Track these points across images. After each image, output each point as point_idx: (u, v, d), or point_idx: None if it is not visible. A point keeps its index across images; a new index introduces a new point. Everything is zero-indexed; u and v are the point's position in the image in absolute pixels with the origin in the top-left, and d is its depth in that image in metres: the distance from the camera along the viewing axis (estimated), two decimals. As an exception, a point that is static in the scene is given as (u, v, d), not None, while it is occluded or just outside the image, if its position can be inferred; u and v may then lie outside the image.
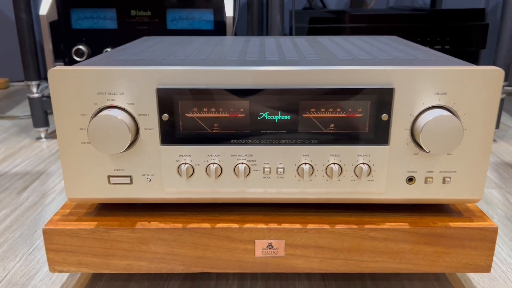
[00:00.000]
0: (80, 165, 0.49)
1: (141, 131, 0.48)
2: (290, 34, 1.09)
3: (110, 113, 0.46)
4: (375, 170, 0.49)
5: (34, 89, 1.13)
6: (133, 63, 0.50)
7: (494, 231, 0.51)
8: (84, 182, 0.50)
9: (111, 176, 0.50)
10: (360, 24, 1.12)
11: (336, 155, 0.49)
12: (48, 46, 1.10)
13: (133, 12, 1.09)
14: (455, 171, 0.49)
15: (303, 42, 0.70)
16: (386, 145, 0.48)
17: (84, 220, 0.52)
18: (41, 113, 1.16)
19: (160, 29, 1.11)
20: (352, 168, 0.49)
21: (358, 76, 0.46)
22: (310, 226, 0.51)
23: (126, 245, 0.51)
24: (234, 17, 1.06)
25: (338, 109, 0.47)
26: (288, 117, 0.48)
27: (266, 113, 0.48)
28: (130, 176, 0.50)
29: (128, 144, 0.47)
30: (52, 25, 1.10)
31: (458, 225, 0.51)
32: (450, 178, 0.49)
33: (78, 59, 1.11)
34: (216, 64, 0.49)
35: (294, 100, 0.47)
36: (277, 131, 0.48)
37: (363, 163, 0.49)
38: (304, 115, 0.48)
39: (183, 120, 0.48)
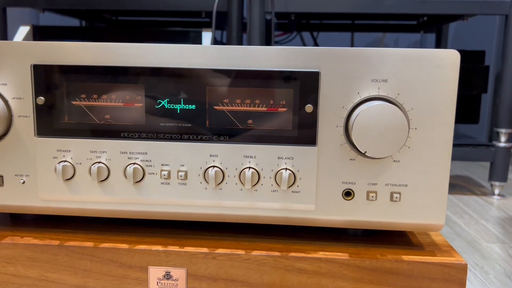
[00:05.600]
0: None
1: (15, 118, 0.40)
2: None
3: (-27, 92, 0.38)
4: (300, 178, 0.38)
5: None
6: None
7: (462, 269, 0.38)
8: None
9: (-21, 175, 0.41)
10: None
11: (251, 157, 0.38)
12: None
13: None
14: (406, 185, 0.38)
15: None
16: (313, 145, 0.38)
17: None
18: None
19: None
20: (272, 175, 0.38)
21: (276, 57, 0.37)
22: (220, 251, 0.39)
23: (-11, 265, 0.40)
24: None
25: (257, 101, 0.38)
26: (193, 106, 0.38)
27: (166, 100, 0.39)
28: (1, 177, 0.41)
29: (-11, 131, 0.38)
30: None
31: (414, 259, 0.38)
32: (399, 194, 0.38)
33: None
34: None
35: (199, 83, 0.38)
36: (179, 124, 0.39)
37: (285, 169, 0.38)
38: (214, 106, 0.38)
39: (66, 105, 0.39)
